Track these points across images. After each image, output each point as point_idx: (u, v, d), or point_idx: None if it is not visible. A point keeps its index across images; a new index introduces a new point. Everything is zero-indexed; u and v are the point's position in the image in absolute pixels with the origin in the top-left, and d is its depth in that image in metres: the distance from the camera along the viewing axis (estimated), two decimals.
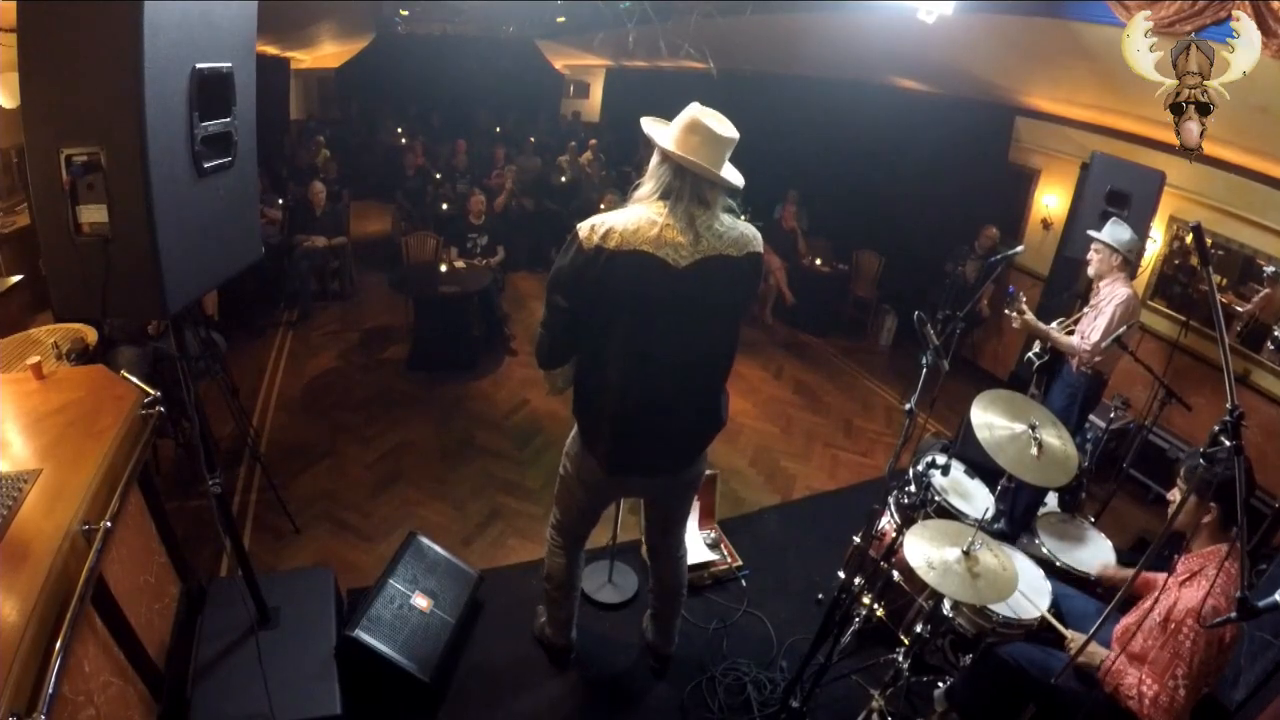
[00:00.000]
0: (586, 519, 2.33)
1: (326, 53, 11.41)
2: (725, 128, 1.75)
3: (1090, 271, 3.26)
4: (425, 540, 2.83)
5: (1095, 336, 3.09)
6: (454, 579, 2.78)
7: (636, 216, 1.77)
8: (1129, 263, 3.15)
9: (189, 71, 1.59)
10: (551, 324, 1.92)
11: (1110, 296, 3.11)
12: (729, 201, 1.87)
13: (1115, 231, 3.16)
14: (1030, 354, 3.48)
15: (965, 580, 2.01)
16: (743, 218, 1.94)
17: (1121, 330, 3.03)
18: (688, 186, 1.76)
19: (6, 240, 4.03)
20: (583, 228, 1.79)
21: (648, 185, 1.82)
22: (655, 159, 1.81)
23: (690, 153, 1.73)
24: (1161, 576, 2.08)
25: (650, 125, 1.84)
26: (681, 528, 2.40)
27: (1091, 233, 3.24)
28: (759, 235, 1.90)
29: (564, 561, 2.40)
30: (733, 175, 1.82)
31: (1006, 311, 3.44)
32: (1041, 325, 3.34)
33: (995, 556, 2.10)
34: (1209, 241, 1.59)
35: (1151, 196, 3.58)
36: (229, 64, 1.74)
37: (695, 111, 1.76)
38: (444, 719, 2.44)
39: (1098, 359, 3.15)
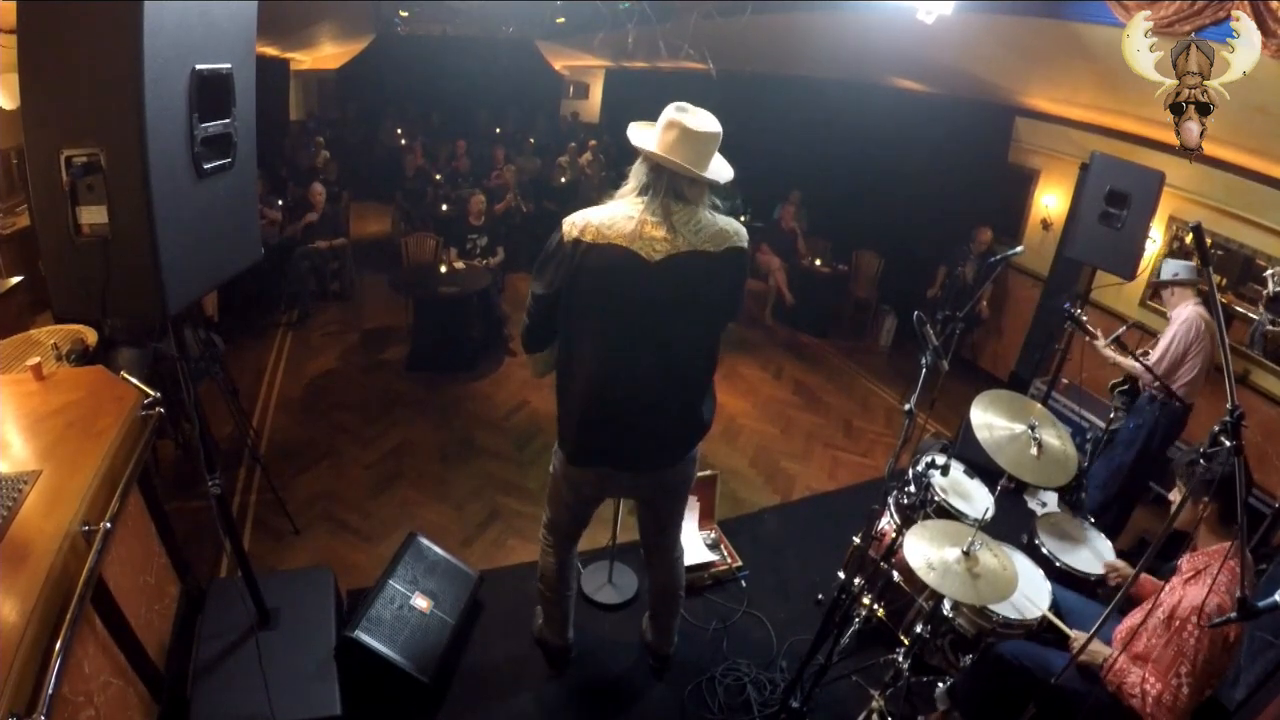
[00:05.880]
0: (575, 518, 2.33)
1: (326, 53, 11.41)
2: (704, 123, 1.76)
3: (1169, 312, 3.48)
4: (425, 541, 2.83)
5: (1154, 355, 3.29)
6: (454, 579, 2.78)
7: (615, 212, 1.82)
8: (1185, 284, 3.36)
9: (189, 72, 1.59)
10: (532, 310, 2.01)
11: (1175, 318, 3.33)
12: (714, 199, 1.88)
13: (1164, 269, 3.44)
14: (1114, 380, 3.73)
15: (965, 580, 2.01)
16: (743, 218, 1.94)
17: (1188, 347, 3.22)
18: (664, 182, 1.79)
19: (6, 241, 4.02)
20: (566, 222, 1.86)
21: (629, 183, 1.87)
22: (639, 159, 1.85)
23: (667, 150, 1.75)
24: (1162, 582, 2.08)
25: (635, 130, 1.86)
26: (675, 529, 2.39)
27: (1156, 282, 3.54)
28: (743, 231, 1.90)
29: (555, 561, 2.41)
30: (720, 170, 1.84)
31: (1067, 327, 3.57)
32: (1109, 351, 3.50)
33: (995, 556, 2.10)
34: (1209, 241, 1.59)
35: (1151, 196, 3.57)
36: (229, 64, 1.74)
37: (673, 110, 1.78)
38: (444, 719, 2.45)
39: (1168, 381, 3.29)
